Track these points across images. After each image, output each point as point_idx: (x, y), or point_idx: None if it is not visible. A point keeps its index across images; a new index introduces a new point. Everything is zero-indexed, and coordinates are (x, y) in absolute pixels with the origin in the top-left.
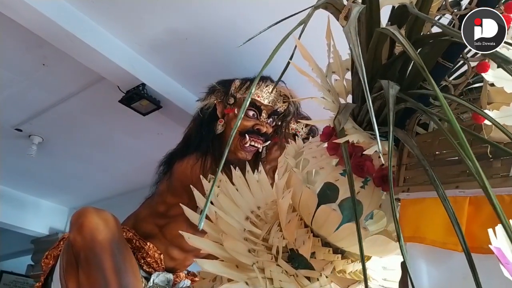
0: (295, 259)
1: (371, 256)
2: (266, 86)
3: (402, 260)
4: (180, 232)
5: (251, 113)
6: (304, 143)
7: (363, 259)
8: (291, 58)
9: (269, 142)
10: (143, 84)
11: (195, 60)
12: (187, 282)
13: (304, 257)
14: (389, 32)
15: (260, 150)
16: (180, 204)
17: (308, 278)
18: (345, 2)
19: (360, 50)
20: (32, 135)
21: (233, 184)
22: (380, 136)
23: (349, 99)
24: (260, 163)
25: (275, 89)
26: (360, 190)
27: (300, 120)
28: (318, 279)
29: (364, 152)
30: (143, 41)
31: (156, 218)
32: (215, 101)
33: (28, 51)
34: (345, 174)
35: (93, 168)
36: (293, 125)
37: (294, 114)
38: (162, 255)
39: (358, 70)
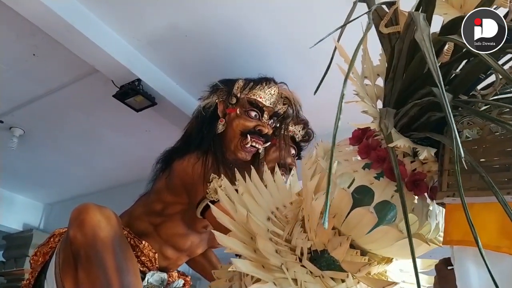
0: (317, 260)
1: (392, 259)
2: (269, 88)
3: (437, 263)
4: (212, 231)
5: (253, 113)
6: (300, 145)
7: (415, 263)
8: (331, 62)
9: (269, 143)
10: (139, 80)
11: (193, 58)
12: (181, 282)
13: (329, 258)
14: (456, 41)
15: (260, 151)
16: (209, 203)
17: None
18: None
19: (435, 57)
20: (13, 127)
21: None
22: (420, 142)
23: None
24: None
25: (276, 91)
26: (394, 194)
27: (354, 124)
28: (343, 281)
29: (421, 157)
30: (141, 36)
31: (151, 216)
32: (216, 100)
33: (19, 39)
34: (379, 178)
35: (74, 163)
36: (291, 127)
37: (293, 117)
38: (156, 254)
39: (434, 76)
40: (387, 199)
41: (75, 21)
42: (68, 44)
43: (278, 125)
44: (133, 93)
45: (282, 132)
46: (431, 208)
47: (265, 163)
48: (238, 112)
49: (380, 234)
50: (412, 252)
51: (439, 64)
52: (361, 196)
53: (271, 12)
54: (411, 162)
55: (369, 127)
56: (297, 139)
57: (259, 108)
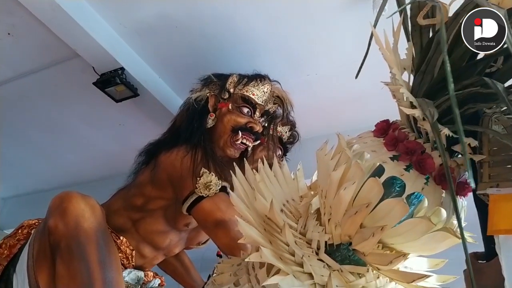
0: (332, 254)
1: (407, 254)
2: (263, 85)
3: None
4: (236, 217)
5: (245, 110)
6: (287, 147)
7: (467, 256)
8: (366, 53)
9: (258, 141)
10: (122, 69)
11: (180, 51)
12: (157, 281)
13: (344, 253)
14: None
15: (248, 149)
16: (231, 194)
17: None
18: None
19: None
20: None
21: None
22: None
23: None
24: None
25: (270, 89)
26: (424, 187)
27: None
28: (360, 275)
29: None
30: (129, 23)
31: (131, 211)
32: (208, 94)
33: None
34: (409, 170)
35: (35, 155)
36: (279, 128)
37: (283, 117)
38: (134, 252)
39: None
40: (418, 191)
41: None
42: (51, 24)
43: (266, 124)
44: (115, 82)
45: (271, 133)
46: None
47: (250, 162)
48: (230, 107)
49: (410, 226)
50: (465, 248)
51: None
52: (384, 189)
53: (266, 12)
54: (439, 156)
55: (395, 120)
56: (283, 140)
57: (252, 105)
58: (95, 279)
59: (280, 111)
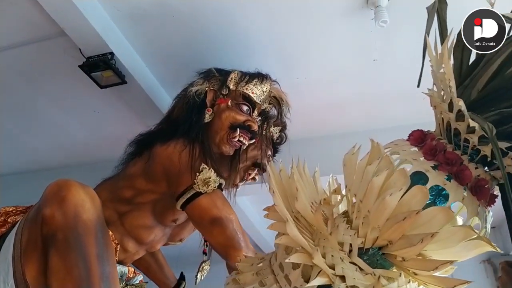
0: (360, 257)
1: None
2: (262, 85)
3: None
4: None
5: (245, 108)
6: (276, 147)
7: None
8: (423, 63)
9: (253, 140)
10: (112, 54)
11: (173, 42)
12: (139, 278)
13: (372, 257)
14: None
15: (242, 148)
16: (273, 193)
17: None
18: None
19: None
20: None
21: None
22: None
23: None
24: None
25: (268, 89)
26: (464, 197)
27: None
28: (390, 280)
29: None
30: (123, 6)
31: (118, 203)
32: (207, 88)
33: None
34: (450, 179)
35: None
36: (271, 128)
37: (277, 118)
38: (118, 246)
39: None
40: (459, 201)
41: None
42: None
43: (260, 123)
44: (103, 67)
45: (264, 133)
46: (486, 213)
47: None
48: (229, 104)
49: (449, 234)
50: None
51: None
52: None
53: (268, 11)
54: (475, 168)
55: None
56: (274, 141)
57: (252, 103)
58: (93, 274)
59: (274, 111)
